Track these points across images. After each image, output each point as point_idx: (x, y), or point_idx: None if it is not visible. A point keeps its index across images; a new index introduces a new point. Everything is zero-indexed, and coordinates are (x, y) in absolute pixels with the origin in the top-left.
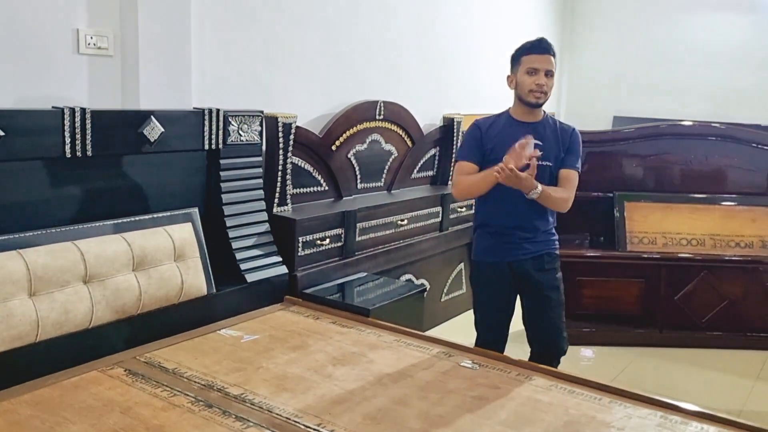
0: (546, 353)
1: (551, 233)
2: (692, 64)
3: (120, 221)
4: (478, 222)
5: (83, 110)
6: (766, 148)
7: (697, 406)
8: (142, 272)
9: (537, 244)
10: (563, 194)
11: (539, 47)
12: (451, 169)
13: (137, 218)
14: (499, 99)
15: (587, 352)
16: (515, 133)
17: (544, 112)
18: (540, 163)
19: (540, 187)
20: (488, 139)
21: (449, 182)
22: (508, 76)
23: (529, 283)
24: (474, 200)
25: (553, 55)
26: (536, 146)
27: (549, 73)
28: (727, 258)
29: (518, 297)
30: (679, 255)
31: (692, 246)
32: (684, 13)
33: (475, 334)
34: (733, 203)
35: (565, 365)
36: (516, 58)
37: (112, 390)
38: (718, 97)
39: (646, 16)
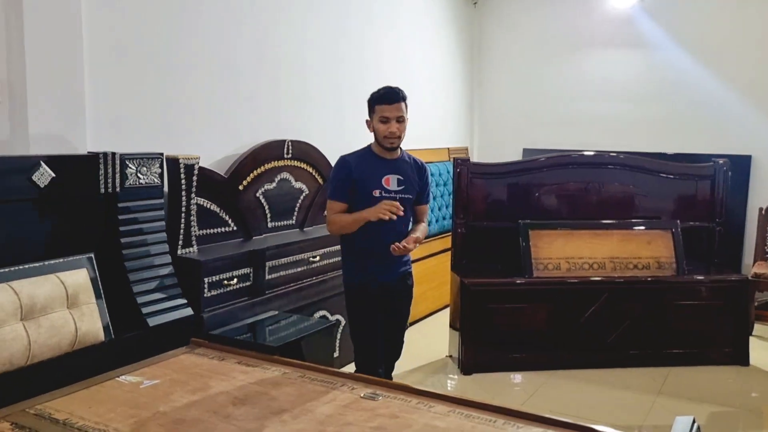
0: (391, 361)
1: (409, 258)
2: (594, 97)
3: (8, 270)
4: (349, 246)
5: None
6: (659, 175)
7: (584, 423)
8: (31, 321)
9: (400, 265)
10: (425, 230)
11: (389, 97)
12: None
13: (27, 266)
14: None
15: (516, 377)
16: (380, 167)
17: (401, 149)
18: (404, 196)
19: (419, 237)
20: (356, 172)
21: None
22: (367, 120)
23: (391, 300)
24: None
25: (404, 101)
26: (399, 181)
27: (400, 119)
28: (628, 279)
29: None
30: (582, 279)
31: (594, 269)
32: (580, 51)
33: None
34: (630, 228)
35: (474, 391)
36: (370, 106)
37: None
38: (619, 128)
39: (547, 54)
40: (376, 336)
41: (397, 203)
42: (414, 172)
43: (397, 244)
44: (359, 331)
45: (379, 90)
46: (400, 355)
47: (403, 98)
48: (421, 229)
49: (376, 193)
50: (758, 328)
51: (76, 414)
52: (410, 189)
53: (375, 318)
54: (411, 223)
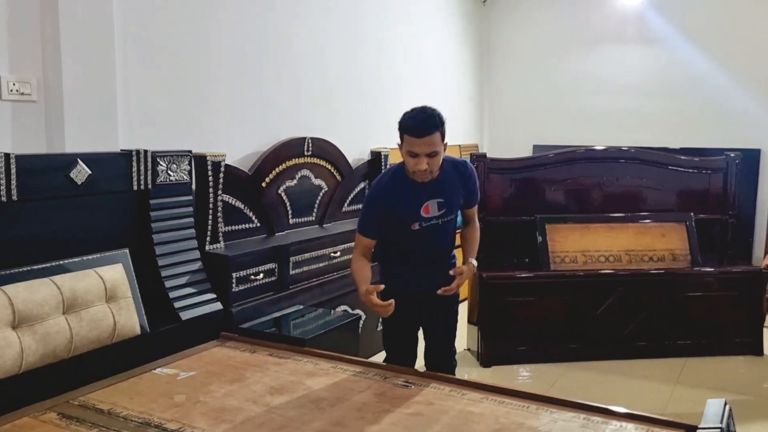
0: (438, 369)
1: (453, 262)
2: (603, 93)
3: (49, 265)
4: (389, 265)
5: (7, 155)
6: (671, 168)
7: (616, 408)
8: (73, 315)
9: (441, 274)
10: (478, 235)
11: (418, 131)
12: None
13: (67, 261)
14: None
15: (535, 369)
16: (416, 193)
17: None
18: (447, 219)
19: (474, 265)
20: (390, 201)
21: None
22: (398, 144)
23: (434, 305)
24: (383, 246)
25: (439, 130)
26: (439, 204)
27: (432, 154)
28: (643, 272)
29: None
30: (599, 271)
31: (610, 262)
32: (592, 47)
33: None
34: (644, 221)
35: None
36: (400, 132)
37: None
38: (628, 123)
39: (556, 50)
40: (407, 343)
41: (392, 305)
42: (458, 182)
43: (446, 288)
44: (389, 338)
45: (409, 113)
46: (455, 362)
47: (438, 127)
48: (475, 246)
49: (415, 226)
50: None
51: (119, 404)
52: (454, 207)
53: (408, 325)
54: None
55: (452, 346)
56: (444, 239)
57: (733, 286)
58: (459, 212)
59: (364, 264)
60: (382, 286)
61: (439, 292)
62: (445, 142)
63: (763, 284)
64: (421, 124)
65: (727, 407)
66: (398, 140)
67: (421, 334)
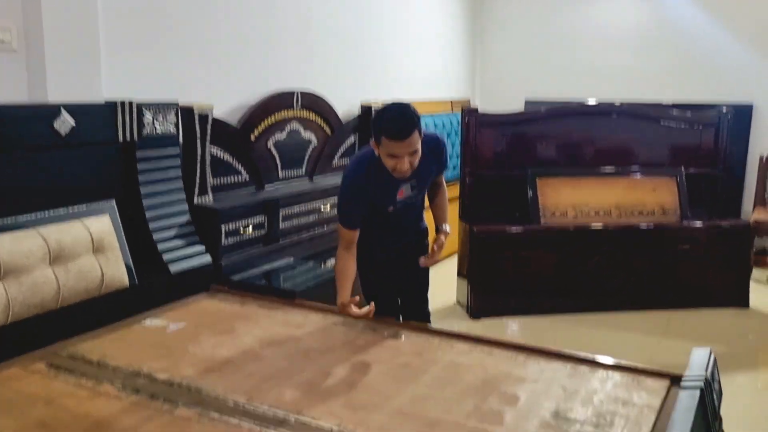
0: (415, 319)
1: (422, 219)
2: (595, 47)
3: (34, 216)
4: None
5: None
6: (663, 123)
7: (602, 358)
8: (59, 266)
9: (414, 232)
10: (446, 198)
11: (398, 134)
12: None
13: (52, 213)
14: (413, 83)
15: (524, 321)
16: (392, 183)
17: None
18: (418, 197)
19: (448, 232)
20: (368, 193)
21: None
22: (372, 142)
23: (406, 260)
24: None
25: (417, 128)
26: (412, 186)
27: (414, 152)
28: (632, 226)
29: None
30: (588, 226)
31: (600, 216)
32: (586, 0)
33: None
34: (635, 175)
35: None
36: (376, 135)
37: (34, 384)
38: (620, 78)
39: (549, 3)
40: (389, 294)
41: (371, 310)
42: (431, 161)
43: (425, 258)
44: (371, 293)
45: (385, 116)
46: (429, 309)
47: (416, 126)
48: (446, 211)
49: (390, 209)
50: (755, 272)
51: (109, 355)
52: (426, 184)
53: (386, 282)
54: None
55: (426, 297)
56: (417, 210)
57: (721, 240)
58: None
59: (349, 262)
60: (358, 298)
61: (421, 263)
62: (421, 140)
63: (751, 238)
64: (402, 128)
65: (712, 357)
66: (373, 139)
67: None
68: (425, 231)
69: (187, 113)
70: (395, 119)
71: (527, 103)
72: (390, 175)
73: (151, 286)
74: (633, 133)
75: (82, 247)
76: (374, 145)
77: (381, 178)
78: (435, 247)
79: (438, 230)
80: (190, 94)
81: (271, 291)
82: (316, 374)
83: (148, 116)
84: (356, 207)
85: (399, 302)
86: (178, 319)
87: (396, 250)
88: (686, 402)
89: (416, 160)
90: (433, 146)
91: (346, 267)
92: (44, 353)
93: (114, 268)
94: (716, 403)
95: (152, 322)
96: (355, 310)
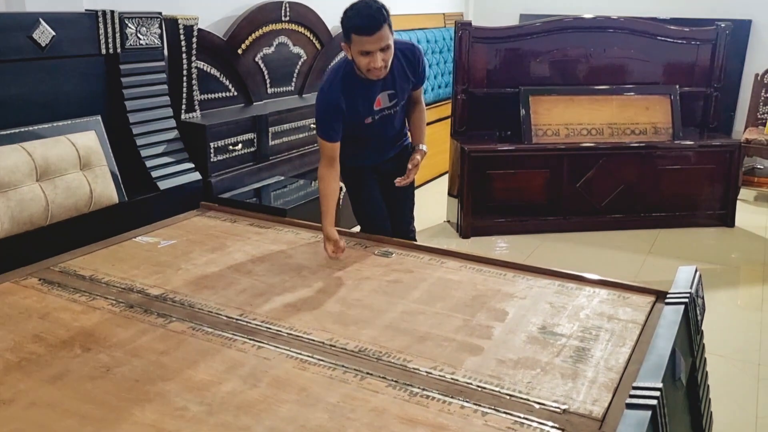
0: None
1: (405, 134)
2: None
3: (17, 130)
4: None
5: None
6: (660, 39)
7: (589, 275)
8: (47, 182)
9: (397, 147)
10: (424, 116)
11: (368, 28)
12: None
13: (36, 127)
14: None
15: (513, 240)
16: (368, 90)
17: None
18: (397, 108)
19: (425, 151)
20: (344, 103)
21: None
22: (342, 44)
23: (391, 178)
24: None
25: (387, 22)
26: (390, 96)
27: (385, 48)
28: (623, 145)
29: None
30: (580, 144)
31: (592, 135)
32: None
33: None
34: (629, 93)
35: (477, 252)
36: (346, 33)
37: (28, 299)
38: None
39: None
40: (379, 212)
41: (342, 249)
42: (407, 71)
43: (401, 179)
44: (362, 211)
45: (352, 12)
46: (413, 218)
47: (386, 19)
48: (423, 129)
49: (368, 120)
50: (743, 192)
51: (101, 270)
52: (404, 94)
53: (373, 192)
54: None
55: (410, 216)
56: (396, 124)
57: (711, 159)
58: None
59: (332, 183)
60: (343, 243)
61: (396, 182)
62: (393, 37)
63: (741, 158)
64: (370, 20)
65: (698, 274)
66: (343, 41)
67: None
68: (408, 147)
69: (171, 25)
70: (363, 14)
71: (522, 17)
72: (366, 84)
73: (141, 204)
74: (629, 49)
75: (68, 163)
76: (346, 48)
77: (357, 87)
78: (410, 166)
79: (414, 149)
80: (173, 4)
81: (262, 209)
82: (307, 290)
83: (131, 27)
84: (334, 117)
85: (387, 217)
86: (170, 236)
87: (380, 167)
88: (670, 317)
89: (389, 57)
90: (409, 54)
91: (329, 189)
92: (36, 268)
93: (103, 185)
94: (699, 318)
95: (143, 239)
96: (330, 248)
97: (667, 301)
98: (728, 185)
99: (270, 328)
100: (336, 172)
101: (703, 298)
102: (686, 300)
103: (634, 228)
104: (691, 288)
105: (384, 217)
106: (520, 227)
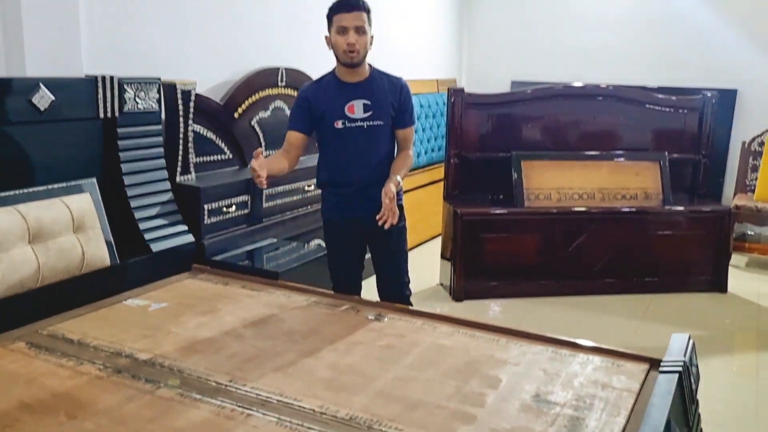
0: (392, 300)
1: (399, 194)
2: (583, 29)
3: (12, 193)
4: (324, 180)
5: None
6: (648, 107)
7: (583, 341)
8: (39, 245)
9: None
10: (408, 161)
11: (346, 6)
12: None
13: (31, 190)
14: (400, 62)
15: (506, 304)
16: (343, 94)
17: (370, 66)
18: (372, 123)
19: (398, 181)
20: (318, 105)
21: None
22: (326, 37)
23: (377, 235)
24: (318, 158)
25: (365, 11)
26: (365, 106)
27: (360, 30)
28: (614, 209)
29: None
30: (572, 209)
31: (583, 200)
32: None
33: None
34: (619, 159)
35: (470, 317)
36: (329, 18)
37: (14, 363)
38: (607, 60)
39: None
40: (350, 270)
41: (258, 169)
42: (387, 93)
43: (380, 214)
44: (333, 265)
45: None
46: (410, 291)
47: (364, 7)
48: (401, 167)
49: (339, 124)
50: (735, 258)
51: (90, 334)
52: (381, 113)
53: (350, 251)
54: (394, 151)
55: (403, 277)
56: (375, 148)
57: (702, 225)
58: (394, 139)
59: (281, 159)
60: (260, 150)
61: (378, 218)
62: (371, 35)
63: (731, 224)
64: (350, 0)
65: (691, 341)
66: (326, 34)
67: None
68: (403, 210)
69: (169, 89)
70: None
71: (514, 83)
72: (342, 86)
73: (133, 266)
74: (618, 116)
75: (62, 225)
76: (328, 40)
77: (332, 88)
78: (383, 195)
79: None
80: (172, 70)
81: (254, 271)
82: (298, 355)
83: (129, 92)
84: (299, 108)
85: (360, 279)
86: (160, 299)
87: (366, 221)
88: (665, 386)
89: (363, 43)
90: (394, 80)
91: (272, 158)
92: (24, 332)
93: (95, 247)
94: (694, 386)
95: (134, 301)
96: (254, 162)
97: (661, 369)
98: (720, 251)
99: (260, 395)
100: (287, 160)
101: (697, 366)
102: (680, 369)
103: (626, 292)
104: (684, 356)
105: (351, 276)
106: (513, 291)
